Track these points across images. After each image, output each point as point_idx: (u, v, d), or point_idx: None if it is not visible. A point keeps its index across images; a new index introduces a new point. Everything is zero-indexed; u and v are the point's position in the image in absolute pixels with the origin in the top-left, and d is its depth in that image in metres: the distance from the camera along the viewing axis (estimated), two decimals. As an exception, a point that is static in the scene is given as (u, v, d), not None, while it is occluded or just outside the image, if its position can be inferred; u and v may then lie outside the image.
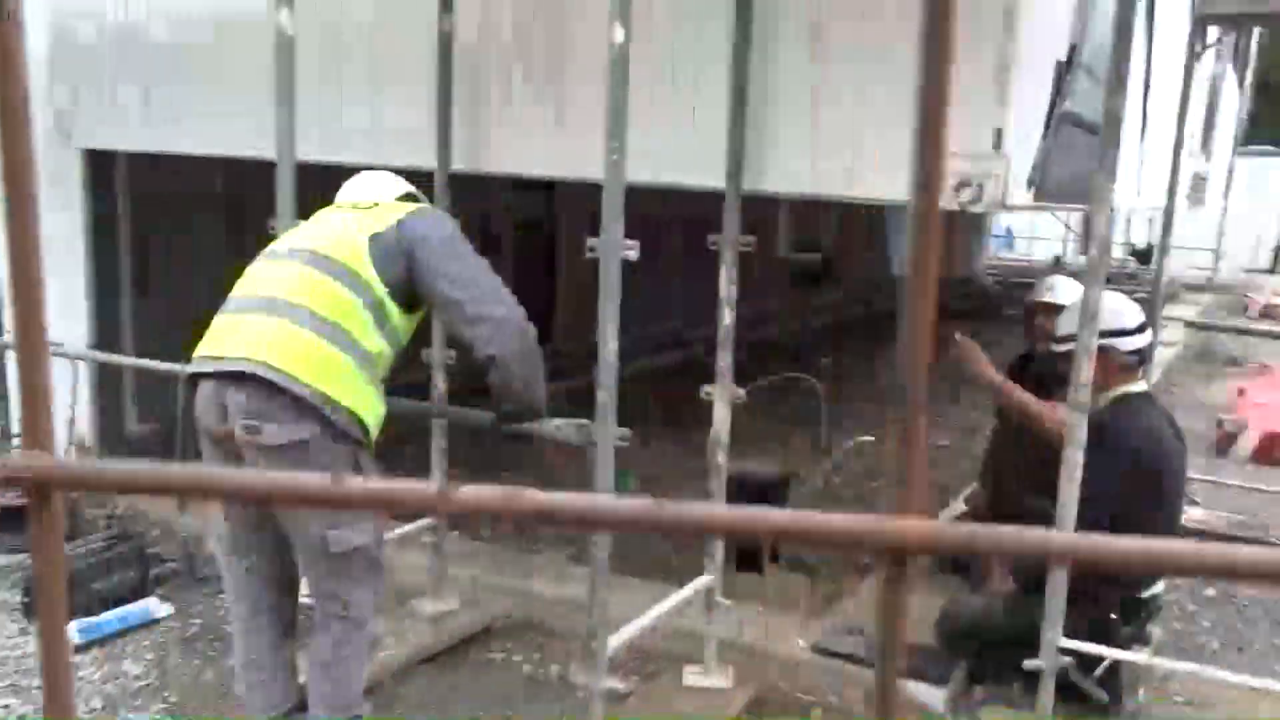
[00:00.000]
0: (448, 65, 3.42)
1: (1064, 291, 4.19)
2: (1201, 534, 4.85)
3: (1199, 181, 9.41)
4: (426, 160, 3.51)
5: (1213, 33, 6.17)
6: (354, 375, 2.51)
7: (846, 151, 3.01)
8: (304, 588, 2.76)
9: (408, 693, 3.36)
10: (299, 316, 2.48)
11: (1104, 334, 3.21)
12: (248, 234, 3.49)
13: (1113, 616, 3.17)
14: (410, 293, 2.64)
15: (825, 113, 3.01)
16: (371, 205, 2.75)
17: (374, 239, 2.62)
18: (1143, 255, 17.39)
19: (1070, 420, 2.82)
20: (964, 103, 2.84)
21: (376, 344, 2.58)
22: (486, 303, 2.62)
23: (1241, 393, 8.37)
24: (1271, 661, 3.84)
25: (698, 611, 3.32)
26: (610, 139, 2.51)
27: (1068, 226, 19.20)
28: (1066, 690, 3.11)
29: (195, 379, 2.53)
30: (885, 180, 2.99)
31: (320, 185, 3.04)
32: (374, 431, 2.58)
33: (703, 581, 3.26)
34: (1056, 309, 4.01)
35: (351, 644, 2.64)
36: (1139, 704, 3.33)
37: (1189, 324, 9.79)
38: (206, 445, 2.59)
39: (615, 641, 2.78)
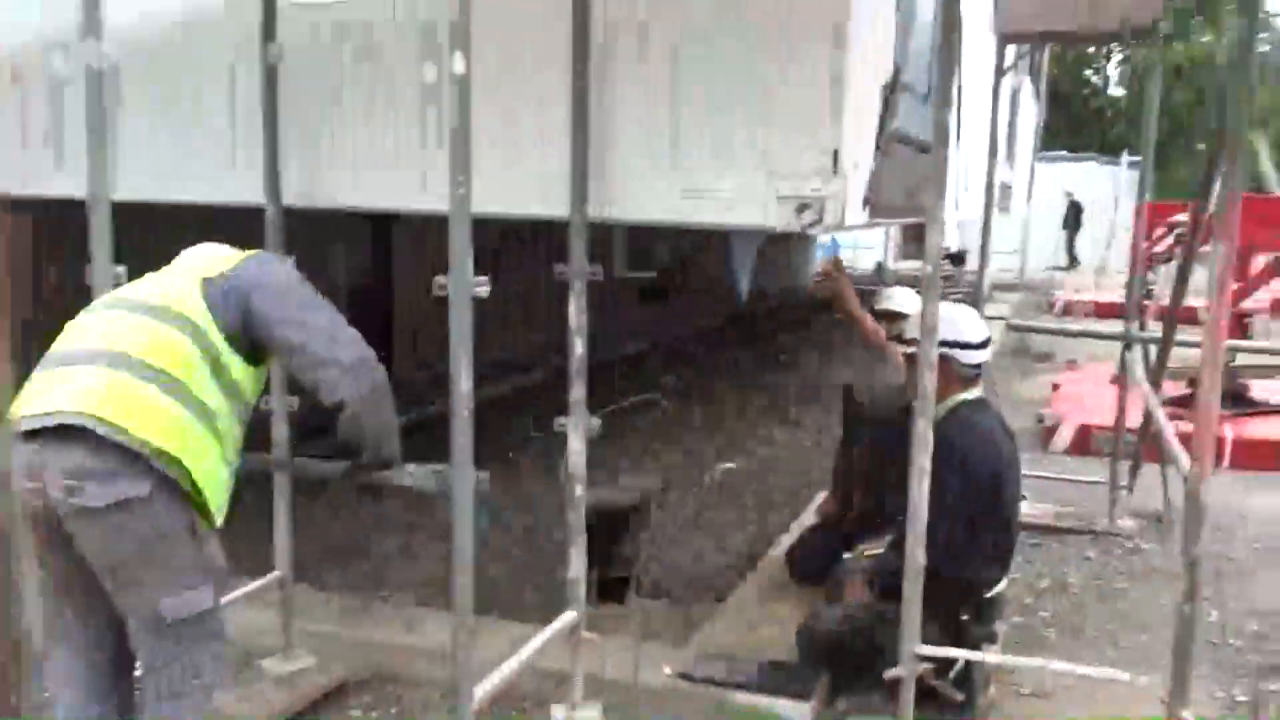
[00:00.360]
0: (273, 97, 3.27)
1: (901, 299, 4.36)
2: (1032, 528, 5.11)
3: (1005, 189, 10.00)
4: (255, 195, 3.34)
5: (1010, 51, 6.55)
6: (191, 428, 2.34)
7: (686, 179, 3.03)
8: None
9: (261, 762, 3.17)
10: (129, 366, 2.32)
11: (950, 344, 3.34)
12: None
13: (964, 619, 3.28)
14: (251, 341, 2.49)
15: (661, 143, 3.02)
16: (205, 260, 2.62)
17: (207, 283, 2.50)
18: (955, 258, 18.32)
19: (918, 429, 2.91)
20: (802, 127, 2.91)
21: (214, 396, 2.41)
22: (332, 345, 2.50)
23: (1055, 388, 8.90)
24: (1104, 645, 4.06)
25: (562, 649, 3.26)
26: (455, 172, 2.43)
27: (887, 234, 20.15)
28: (924, 694, 3.21)
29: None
30: (723, 207, 3.02)
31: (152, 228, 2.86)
32: (216, 495, 2.41)
33: (567, 619, 3.20)
34: (896, 315, 4.18)
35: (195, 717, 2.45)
36: (990, 700, 3.46)
37: (1011, 326, 10.34)
38: (20, 526, 2.35)
39: (480, 692, 2.69)
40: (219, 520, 2.47)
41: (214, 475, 2.40)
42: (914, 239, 19.62)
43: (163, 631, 2.37)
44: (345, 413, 2.50)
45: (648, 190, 3.09)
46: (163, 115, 3.63)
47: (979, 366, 3.45)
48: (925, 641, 2.99)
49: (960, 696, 3.33)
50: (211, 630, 2.46)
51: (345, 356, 2.49)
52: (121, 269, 2.93)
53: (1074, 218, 22.33)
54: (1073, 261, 21.96)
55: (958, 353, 3.37)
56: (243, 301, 2.48)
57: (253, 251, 2.71)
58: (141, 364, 2.33)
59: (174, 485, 2.30)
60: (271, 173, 3.33)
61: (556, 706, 3.33)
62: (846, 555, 4.07)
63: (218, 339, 2.44)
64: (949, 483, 3.16)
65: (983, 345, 3.44)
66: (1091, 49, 31.10)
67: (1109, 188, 19.92)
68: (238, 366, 2.47)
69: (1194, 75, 27.79)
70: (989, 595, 3.42)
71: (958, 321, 3.42)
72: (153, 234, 3.24)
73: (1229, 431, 6.53)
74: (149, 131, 3.61)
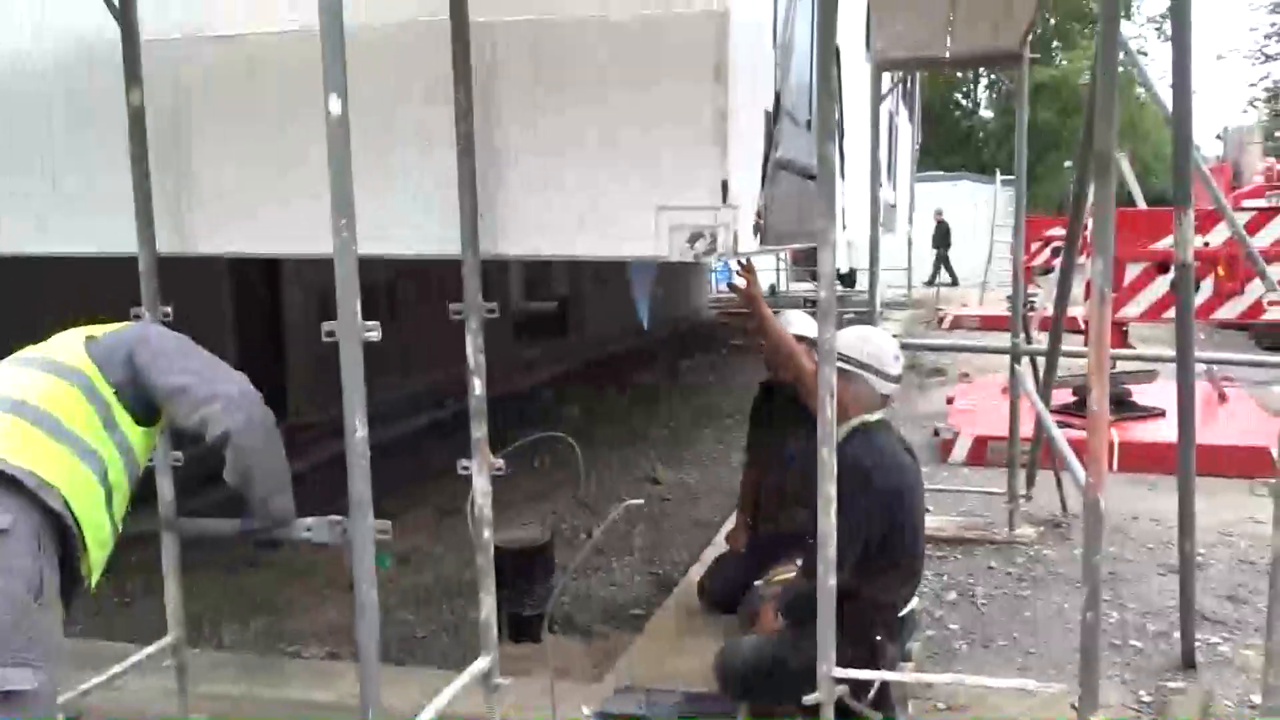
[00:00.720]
0: (141, 140, 3.14)
1: (800, 324, 4.39)
2: (936, 540, 5.21)
3: (888, 210, 10.29)
4: (126, 244, 3.19)
5: (887, 78, 6.75)
6: (75, 467, 2.30)
7: (578, 214, 3.01)
8: None
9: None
10: (12, 407, 2.32)
11: (866, 367, 3.36)
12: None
13: (878, 639, 3.30)
14: (141, 400, 2.48)
15: (552, 179, 2.99)
16: (86, 327, 2.63)
17: (90, 341, 2.55)
18: (845, 279, 18.76)
19: (821, 456, 2.92)
20: (690, 159, 2.91)
21: (106, 447, 2.40)
22: (216, 382, 2.51)
23: (950, 401, 9.13)
24: (1012, 653, 4.15)
25: (478, 695, 3.17)
26: (337, 215, 2.36)
27: (779, 258, 20.52)
28: (843, 715, 3.21)
29: None
30: (617, 240, 3.01)
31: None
32: (96, 540, 2.33)
33: (479, 665, 3.11)
34: (798, 339, 4.19)
35: None
36: (908, 718, 3.48)
37: (905, 345, 10.58)
38: None
39: (394, 749, 2.59)
40: (94, 576, 2.38)
41: (94, 517, 2.33)
42: (805, 261, 20.03)
43: None
44: (230, 446, 2.45)
45: (540, 226, 3.06)
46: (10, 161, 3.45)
47: (887, 397, 3.47)
48: (840, 664, 2.99)
49: (879, 717, 3.35)
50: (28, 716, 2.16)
51: (228, 390, 2.50)
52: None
53: (942, 236, 23.13)
54: (953, 278, 22.71)
55: (871, 377, 3.38)
56: (127, 358, 2.50)
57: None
58: (37, 410, 2.34)
59: (41, 526, 2.20)
60: (145, 222, 3.19)
61: (473, 757, 3.24)
62: (758, 583, 4.07)
63: (107, 392, 2.45)
64: (855, 504, 3.18)
65: (896, 379, 3.47)
66: (960, 74, 32.45)
67: (985, 206, 20.65)
68: (127, 422, 2.47)
69: (1055, 94, 29.13)
70: (900, 614, 3.45)
71: (885, 351, 3.39)
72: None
73: (1115, 435, 6.77)
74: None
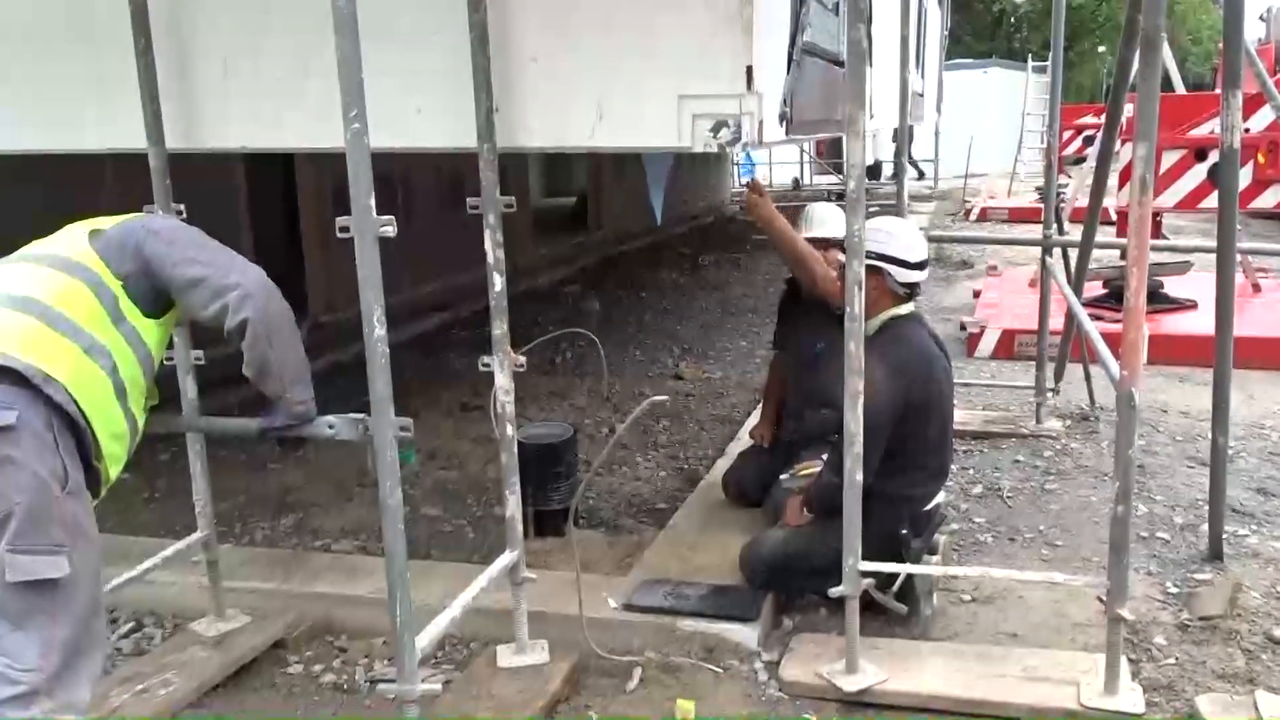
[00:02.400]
0: (145, 29, 3.03)
1: (821, 220, 4.29)
2: (963, 434, 5.18)
3: (916, 99, 9.99)
4: (135, 140, 3.12)
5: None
6: (81, 361, 2.29)
7: (598, 104, 2.91)
8: None
9: (201, 729, 3.08)
10: (19, 303, 2.29)
11: (885, 258, 3.29)
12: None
13: (903, 532, 3.30)
14: (150, 292, 2.46)
15: (569, 68, 2.88)
16: (89, 221, 2.58)
17: (94, 234, 2.50)
18: (869, 171, 18.36)
19: (849, 350, 2.87)
20: (714, 45, 2.79)
21: (115, 341, 2.37)
22: (232, 272, 2.50)
23: (977, 295, 9.01)
24: (1039, 546, 4.14)
25: (504, 588, 3.20)
26: (348, 107, 2.28)
27: (803, 150, 20.13)
28: (870, 608, 3.24)
29: None
30: (638, 130, 2.91)
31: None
32: (109, 433, 2.32)
33: (505, 559, 3.13)
34: (823, 242, 4.10)
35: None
36: (934, 609, 3.50)
37: (931, 238, 10.39)
38: None
39: (423, 641, 2.62)
40: (114, 470, 2.39)
41: (106, 411, 2.32)
42: (830, 153, 19.65)
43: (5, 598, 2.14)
44: (249, 334, 2.46)
45: (558, 117, 2.96)
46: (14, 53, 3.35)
47: (912, 286, 3.40)
48: (867, 557, 3.00)
49: (904, 609, 3.37)
50: (78, 607, 2.21)
51: (245, 279, 2.49)
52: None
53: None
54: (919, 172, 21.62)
55: (893, 269, 3.33)
56: (136, 249, 2.47)
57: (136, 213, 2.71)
58: (43, 306, 2.31)
59: (50, 419, 2.19)
60: (153, 118, 3.11)
61: (503, 647, 3.29)
62: (784, 476, 4.06)
63: (112, 281, 2.43)
64: (884, 397, 3.15)
65: (920, 266, 3.39)
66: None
67: (1015, 94, 20.09)
68: (136, 315, 2.44)
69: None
70: (926, 509, 3.44)
71: (897, 236, 3.36)
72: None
73: (1145, 328, 6.66)
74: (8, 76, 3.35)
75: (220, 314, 2.46)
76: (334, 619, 3.62)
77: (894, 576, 3.28)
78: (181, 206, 3.17)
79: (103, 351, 2.35)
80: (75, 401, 2.24)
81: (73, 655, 2.21)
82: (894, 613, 3.35)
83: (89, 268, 2.42)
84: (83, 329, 2.33)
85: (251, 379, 2.56)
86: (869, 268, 3.10)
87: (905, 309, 3.41)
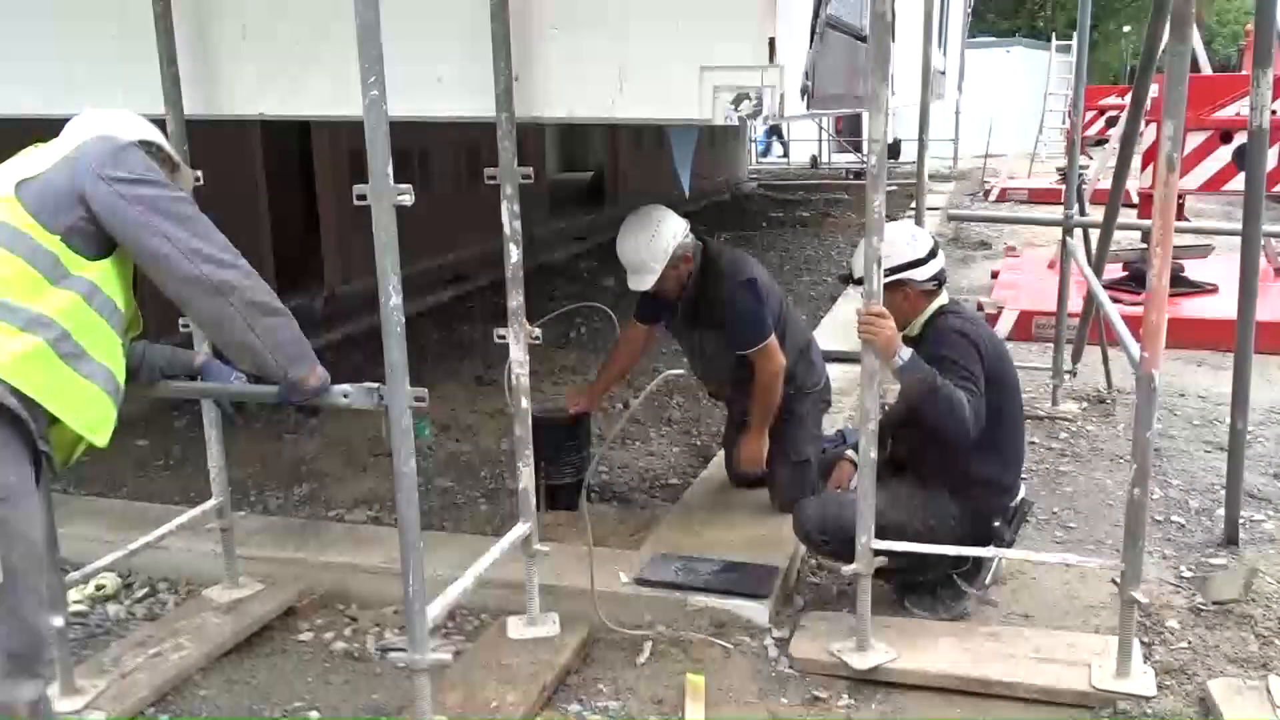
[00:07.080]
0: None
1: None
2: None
3: (937, 76, 9.89)
4: (153, 105, 3.11)
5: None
6: (18, 341, 2.05)
7: (618, 75, 2.88)
8: None
9: (212, 694, 3.09)
10: None
11: (898, 269, 3.24)
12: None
13: (996, 524, 3.27)
14: (96, 236, 2.21)
15: (591, 39, 2.85)
16: (18, 163, 2.31)
17: (21, 186, 2.20)
18: (889, 150, 18.28)
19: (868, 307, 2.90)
20: (736, 16, 2.76)
21: (55, 300, 2.13)
22: (197, 261, 2.22)
23: (995, 275, 8.95)
24: (1053, 528, 4.13)
25: (516, 560, 3.20)
26: (366, 74, 2.26)
27: (821, 127, 19.98)
28: (907, 588, 3.40)
29: None
30: (659, 102, 2.88)
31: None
32: (72, 413, 2.13)
33: (518, 532, 3.13)
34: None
35: None
36: (985, 589, 3.45)
37: (951, 217, 10.29)
38: None
39: (434, 610, 2.62)
40: (98, 434, 2.20)
41: (57, 381, 2.10)
42: (849, 131, 19.48)
43: None
44: (221, 343, 2.32)
45: (577, 88, 2.94)
46: (44, 21, 3.34)
47: (937, 277, 3.35)
48: (954, 540, 3.17)
49: (984, 594, 3.41)
50: None
51: (208, 274, 2.23)
52: None
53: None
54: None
55: (911, 273, 3.29)
56: (79, 199, 2.19)
57: (97, 136, 2.34)
58: None
59: None
60: (172, 83, 3.10)
61: (514, 619, 3.30)
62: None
63: (52, 243, 2.16)
64: (965, 365, 3.10)
65: (932, 255, 3.35)
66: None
67: (1038, 73, 19.89)
68: (83, 262, 2.20)
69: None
70: (1013, 503, 3.38)
71: (895, 243, 3.23)
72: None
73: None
74: (28, 40, 3.34)
75: (180, 305, 2.29)
76: (346, 588, 3.63)
77: (979, 566, 3.38)
78: (199, 173, 3.16)
79: (45, 322, 2.11)
80: (16, 391, 2.03)
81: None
82: (958, 594, 3.36)
83: (19, 231, 2.15)
84: (19, 305, 2.09)
85: (248, 370, 2.45)
86: (891, 285, 3.07)
87: (942, 299, 3.37)
